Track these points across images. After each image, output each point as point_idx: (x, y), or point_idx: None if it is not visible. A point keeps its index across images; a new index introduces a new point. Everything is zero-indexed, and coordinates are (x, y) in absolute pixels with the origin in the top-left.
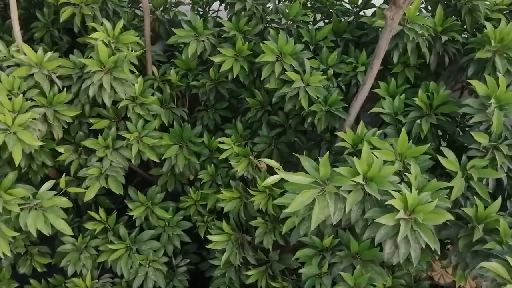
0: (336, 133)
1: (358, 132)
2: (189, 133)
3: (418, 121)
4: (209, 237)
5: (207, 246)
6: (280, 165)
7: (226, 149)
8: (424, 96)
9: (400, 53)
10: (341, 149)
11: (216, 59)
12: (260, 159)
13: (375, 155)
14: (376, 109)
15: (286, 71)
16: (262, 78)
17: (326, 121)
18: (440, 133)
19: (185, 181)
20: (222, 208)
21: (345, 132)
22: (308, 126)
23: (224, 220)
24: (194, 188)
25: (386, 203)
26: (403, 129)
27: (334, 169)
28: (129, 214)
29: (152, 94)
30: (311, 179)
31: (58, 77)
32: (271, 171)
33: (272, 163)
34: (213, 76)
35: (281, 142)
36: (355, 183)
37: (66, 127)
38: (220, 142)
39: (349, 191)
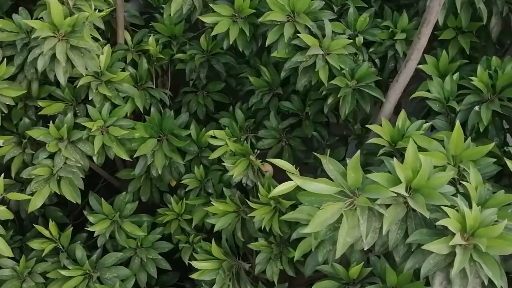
0: (368, 125)
1: (398, 125)
2: (172, 123)
3: (477, 107)
4: (194, 263)
5: (191, 276)
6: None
7: (219, 146)
8: (485, 75)
9: (448, 9)
10: (375, 147)
11: (207, 20)
12: (264, 160)
13: (422, 158)
14: (420, 93)
15: (299, 33)
16: (267, 43)
17: (352, 102)
18: (505, 125)
19: (164, 187)
20: (213, 226)
21: (380, 125)
22: (332, 116)
23: (214, 241)
24: (176, 198)
25: (438, 223)
26: (457, 121)
27: (367, 175)
28: (89, 229)
29: (123, 70)
30: (336, 188)
31: None
32: (278, 176)
33: (283, 164)
34: (204, 46)
35: (295, 137)
36: (395, 195)
37: (5, 111)
38: (211, 137)
39: (387, 206)
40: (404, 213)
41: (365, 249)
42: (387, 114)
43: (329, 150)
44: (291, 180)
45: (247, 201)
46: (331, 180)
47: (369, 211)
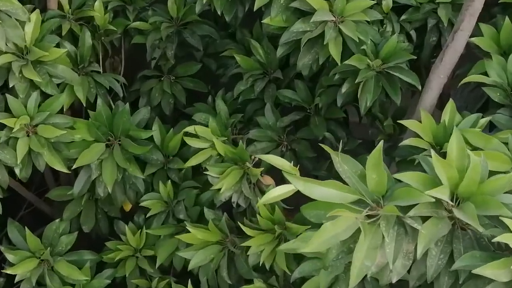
0: (401, 121)
1: (444, 120)
2: (126, 120)
3: None
4: None
5: None
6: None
7: (200, 149)
8: None
9: None
10: (412, 152)
11: None
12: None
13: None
14: (474, 77)
15: None
16: (256, 6)
17: (376, 91)
18: None
19: (115, 212)
20: (186, 264)
21: (419, 121)
22: (353, 111)
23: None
24: (133, 226)
25: (495, 239)
26: None
27: (396, 175)
28: (8, 272)
29: (58, 45)
30: (352, 196)
31: None
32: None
33: (277, 161)
34: (173, 13)
35: (300, 139)
36: (434, 201)
37: None
38: (186, 135)
39: (424, 219)
40: (448, 230)
41: (393, 282)
42: (428, 107)
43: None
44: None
45: (239, 226)
46: (345, 183)
47: (398, 226)
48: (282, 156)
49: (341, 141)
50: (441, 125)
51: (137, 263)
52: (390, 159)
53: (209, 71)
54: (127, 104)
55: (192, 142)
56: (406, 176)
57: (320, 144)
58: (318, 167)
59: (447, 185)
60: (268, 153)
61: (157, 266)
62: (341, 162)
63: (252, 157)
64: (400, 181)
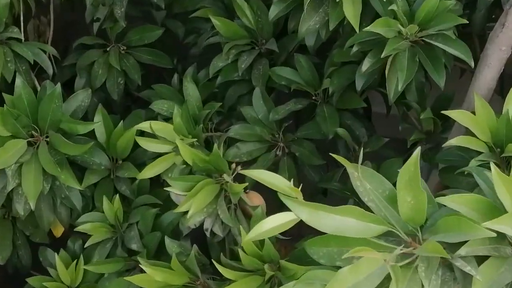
0: (446, 112)
1: (507, 111)
2: (57, 108)
3: None
4: None
5: None
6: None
7: (160, 154)
8: None
9: None
10: (459, 156)
11: None
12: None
13: None
14: None
15: None
16: None
17: (411, 69)
18: None
19: (41, 238)
20: None
21: (472, 112)
22: (376, 98)
23: None
24: (65, 255)
25: None
26: None
27: (440, 199)
28: None
29: None
30: (378, 225)
31: None
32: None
33: (270, 178)
34: None
35: (302, 139)
36: (494, 235)
37: None
38: (140, 135)
39: (480, 259)
40: None
41: None
42: (484, 91)
43: (369, 163)
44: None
45: (212, 264)
46: (369, 210)
47: (444, 270)
48: (277, 162)
49: (361, 141)
50: (503, 118)
51: None
52: (430, 166)
53: (175, 38)
54: (58, 85)
55: (148, 145)
56: (454, 200)
57: (332, 154)
58: (327, 177)
59: None
60: (257, 158)
61: None
62: (362, 178)
63: (233, 165)
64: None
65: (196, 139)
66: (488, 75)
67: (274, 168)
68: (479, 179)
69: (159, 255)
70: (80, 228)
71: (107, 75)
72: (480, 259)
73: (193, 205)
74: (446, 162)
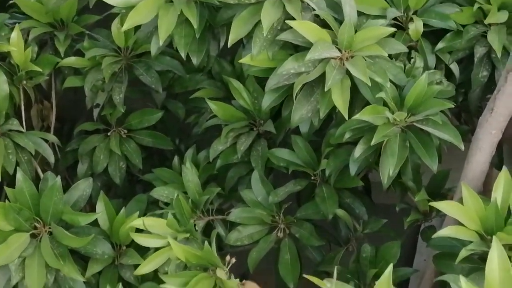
0: (433, 204)
1: (495, 199)
2: (58, 200)
3: None
4: None
5: None
6: None
7: (156, 249)
8: None
9: None
10: (452, 244)
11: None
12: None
13: None
14: None
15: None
16: (230, 41)
17: (402, 153)
18: None
19: None
20: None
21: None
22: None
23: None
24: None
25: None
26: None
27: None
28: None
29: None
30: None
31: None
32: None
33: None
34: (120, 41)
35: (302, 220)
36: None
37: None
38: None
39: None
40: None
41: None
42: (477, 174)
43: (367, 246)
44: None
45: None
46: None
47: None
48: (279, 243)
49: (361, 219)
50: (492, 206)
51: None
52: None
53: (174, 120)
54: (58, 178)
55: (143, 240)
56: None
57: (306, 276)
58: (329, 258)
59: None
60: (258, 241)
61: None
62: None
63: (228, 258)
64: None
65: (188, 234)
66: (480, 158)
67: (276, 250)
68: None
69: None
70: None
71: (109, 160)
72: None
73: None
74: (440, 249)
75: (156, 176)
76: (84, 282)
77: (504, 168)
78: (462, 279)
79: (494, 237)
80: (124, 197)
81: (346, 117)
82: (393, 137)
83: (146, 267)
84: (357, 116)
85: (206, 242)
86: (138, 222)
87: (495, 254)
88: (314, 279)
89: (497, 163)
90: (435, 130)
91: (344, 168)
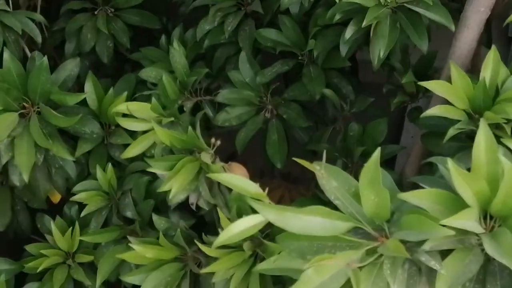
0: (422, 83)
1: (483, 78)
2: (45, 80)
3: None
4: None
5: None
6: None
7: (142, 132)
8: None
9: None
10: (440, 123)
11: None
12: (230, 157)
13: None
14: None
15: None
16: None
17: (392, 35)
18: None
19: (40, 204)
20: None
21: (449, 80)
22: (364, 54)
23: None
24: (61, 223)
25: None
26: None
27: (402, 195)
28: None
29: None
30: (344, 222)
31: None
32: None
33: (239, 182)
34: None
35: (289, 100)
36: (456, 232)
37: None
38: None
39: (446, 253)
40: (480, 265)
41: None
42: (465, 52)
43: (355, 124)
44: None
45: (198, 241)
46: (336, 208)
47: (410, 264)
48: (266, 124)
49: (348, 99)
50: (480, 85)
51: (69, 273)
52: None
53: None
54: (45, 58)
55: (128, 124)
56: (415, 196)
57: (296, 159)
58: (316, 138)
59: (475, 205)
60: (246, 121)
61: (97, 285)
62: (327, 177)
63: (213, 140)
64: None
65: (172, 118)
66: (468, 36)
67: (263, 131)
68: (443, 169)
69: (150, 226)
70: (75, 198)
71: (96, 39)
72: (446, 251)
73: (175, 185)
74: (428, 127)
75: (144, 55)
76: (74, 161)
77: (493, 47)
78: (450, 161)
79: (481, 119)
80: (113, 76)
81: None
82: (383, 19)
83: (132, 150)
84: None
85: (190, 127)
86: (122, 107)
87: (482, 137)
88: (303, 162)
89: (485, 41)
90: (426, 11)
91: (332, 49)
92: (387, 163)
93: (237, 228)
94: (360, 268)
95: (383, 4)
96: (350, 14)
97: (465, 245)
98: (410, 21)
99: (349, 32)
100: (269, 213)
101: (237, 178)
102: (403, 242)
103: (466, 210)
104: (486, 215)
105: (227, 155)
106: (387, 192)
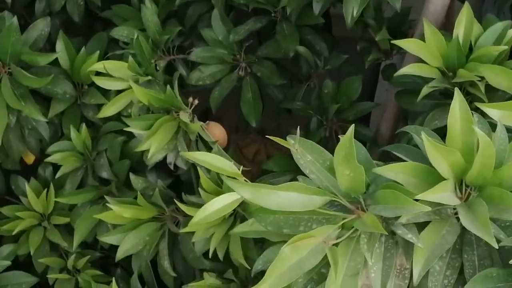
0: (395, 41)
1: (457, 35)
2: (16, 41)
3: None
4: None
5: None
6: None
7: (118, 92)
8: None
9: None
10: (414, 81)
11: None
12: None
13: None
14: None
15: None
16: None
17: None
18: None
19: (14, 165)
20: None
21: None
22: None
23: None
24: (36, 184)
25: None
26: None
27: (378, 170)
28: None
29: None
30: (320, 197)
31: None
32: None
33: (215, 160)
34: None
35: (263, 58)
36: (433, 207)
37: None
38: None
39: (423, 225)
40: (457, 235)
41: None
42: (437, 9)
43: (329, 82)
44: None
45: (177, 201)
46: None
47: (387, 237)
48: (240, 81)
49: (322, 55)
50: (453, 43)
51: (45, 235)
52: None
53: None
54: (15, 18)
55: (104, 83)
56: (391, 169)
57: (270, 137)
58: (291, 96)
59: (451, 177)
60: (219, 80)
61: (74, 246)
62: (302, 151)
63: (190, 99)
64: None
65: (149, 77)
66: None
67: (237, 89)
68: (417, 138)
69: (130, 182)
70: (50, 159)
71: None
72: (423, 225)
73: (153, 144)
74: (402, 85)
75: (115, 13)
76: (48, 122)
77: (466, 3)
78: (423, 134)
79: (456, 89)
80: (84, 34)
81: None
82: None
83: (108, 109)
84: None
85: (168, 86)
86: (98, 66)
87: (457, 106)
88: (277, 139)
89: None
90: None
91: (305, 5)
92: (362, 120)
93: (213, 207)
94: (337, 244)
95: None
96: None
97: (441, 216)
98: None
99: None
100: (244, 191)
101: (212, 157)
102: (379, 216)
103: (441, 184)
104: (462, 183)
105: (202, 111)
106: (361, 168)
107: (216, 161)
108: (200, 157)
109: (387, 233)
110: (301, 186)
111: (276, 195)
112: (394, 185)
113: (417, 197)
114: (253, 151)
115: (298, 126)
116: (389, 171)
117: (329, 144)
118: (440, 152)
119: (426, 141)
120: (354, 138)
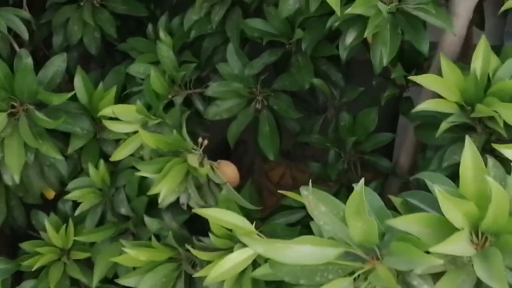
0: (412, 77)
1: (474, 69)
2: (31, 81)
3: None
4: None
5: None
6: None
7: (127, 135)
8: None
9: None
10: (432, 115)
11: None
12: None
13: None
14: None
15: None
16: None
17: (394, 40)
18: None
19: (35, 199)
20: None
21: (440, 72)
22: None
23: None
24: (55, 220)
25: None
26: None
27: (391, 221)
28: None
29: None
30: (335, 248)
31: None
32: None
33: (228, 217)
34: None
35: (279, 91)
36: (448, 257)
37: None
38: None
39: (438, 275)
40: (473, 284)
41: None
42: (454, 41)
43: (345, 114)
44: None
45: (191, 243)
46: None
47: (402, 287)
48: (257, 115)
49: (339, 86)
50: (471, 77)
51: (65, 270)
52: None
53: None
54: (29, 57)
55: (115, 127)
56: (405, 221)
57: (282, 192)
58: (307, 127)
59: (465, 226)
60: (237, 114)
61: (94, 283)
62: (316, 202)
63: (200, 140)
64: None
65: (159, 119)
66: (457, 23)
67: (254, 123)
68: (431, 185)
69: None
70: (69, 196)
71: (83, 31)
72: (438, 275)
73: (163, 188)
74: (421, 119)
75: (131, 46)
76: (66, 157)
77: (483, 36)
78: (436, 187)
79: (466, 136)
80: (103, 65)
81: (339, 13)
82: (384, 25)
83: (121, 152)
84: (349, 11)
85: (174, 131)
86: (108, 111)
87: (469, 155)
88: (291, 194)
89: (478, 21)
90: (427, 16)
91: (322, 40)
92: (385, 147)
93: (227, 265)
94: None
95: (383, 11)
96: (348, 24)
97: (457, 265)
98: (411, 25)
99: (349, 39)
100: (258, 246)
101: (225, 214)
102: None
103: (454, 235)
104: (477, 230)
105: (222, 139)
106: (373, 220)
107: (229, 217)
108: (212, 213)
109: (400, 286)
110: (315, 239)
111: (290, 249)
112: (407, 237)
113: (430, 250)
114: (278, 175)
115: (310, 180)
116: (402, 222)
117: (349, 175)
118: (453, 203)
119: (439, 194)
120: (374, 168)
